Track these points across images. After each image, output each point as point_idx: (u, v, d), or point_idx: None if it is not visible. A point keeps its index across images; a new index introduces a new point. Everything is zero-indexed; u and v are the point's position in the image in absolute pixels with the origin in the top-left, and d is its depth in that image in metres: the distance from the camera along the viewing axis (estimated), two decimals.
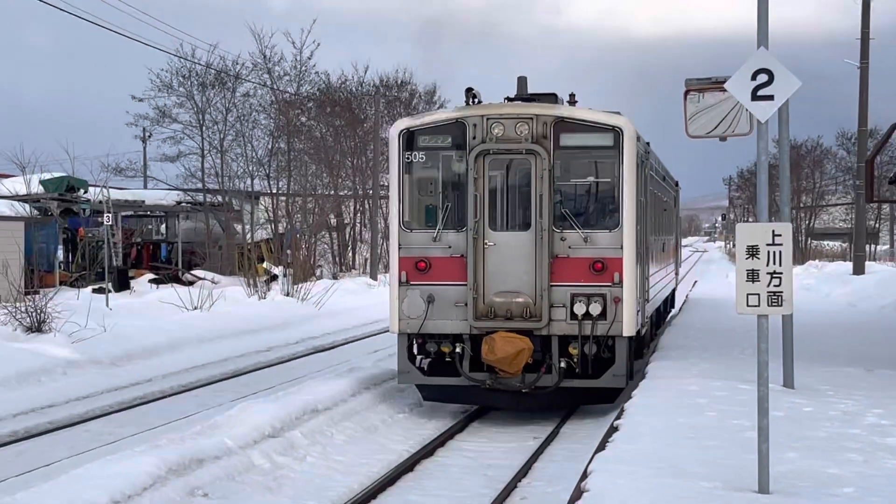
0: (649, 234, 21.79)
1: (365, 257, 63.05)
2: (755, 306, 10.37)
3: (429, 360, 18.60)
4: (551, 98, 19.02)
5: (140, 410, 19.39)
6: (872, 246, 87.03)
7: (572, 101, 19.34)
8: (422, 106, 73.47)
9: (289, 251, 46.49)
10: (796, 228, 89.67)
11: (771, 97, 10.48)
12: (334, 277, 52.82)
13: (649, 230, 21.81)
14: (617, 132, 17.87)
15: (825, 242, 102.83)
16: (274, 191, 56.17)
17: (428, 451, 15.69)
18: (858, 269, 48.94)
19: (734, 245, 10.53)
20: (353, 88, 66.85)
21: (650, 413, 14.86)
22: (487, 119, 18.01)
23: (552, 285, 17.77)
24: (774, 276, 10.33)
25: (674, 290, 36.34)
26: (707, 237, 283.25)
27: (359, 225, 68.50)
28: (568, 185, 18.25)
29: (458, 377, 18.25)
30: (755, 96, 10.51)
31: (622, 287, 17.69)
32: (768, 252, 10.32)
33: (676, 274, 38.25)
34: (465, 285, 17.90)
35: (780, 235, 10.32)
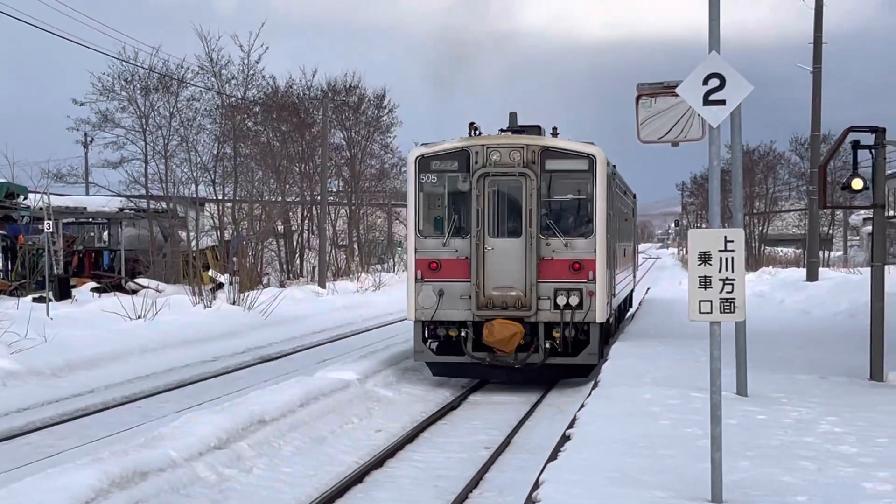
0: (615, 241, 26.00)
1: (313, 265, 62.89)
2: (708, 313, 10.45)
3: (436, 343, 23.29)
4: (536, 129, 23.70)
5: (82, 422, 19.23)
6: (826, 252, 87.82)
7: (555, 133, 23.54)
8: (371, 111, 73.43)
9: (235, 259, 46.28)
10: (749, 234, 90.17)
11: (723, 102, 10.57)
12: (281, 285, 52.65)
13: (615, 238, 26.00)
14: (591, 159, 22.56)
15: (779, 249, 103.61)
16: (219, 197, 55.87)
17: (377, 461, 15.68)
18: (812, 276, 49.33)
19: (687, 252, 10.61)
20: (301, 93, 66.71)
21: (603, 422, 14.94)
22: (487, 148, 22.70)
23: (539, 282, 22.46)
24: (727, 282, 10.41)
25: (632, 291, 41.00)
26: (660, 244, 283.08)
27: (306, 232, 68.35)
28: (552, 201, 22.80)
29: (463, 356, 22.92)
30: (707, 101, 10.59)
31: (595, 283, 22.38)
32: (721, 258, 10.40)
33: (634, 276, 43.05)
34: (469, 282, 22.62)
35: (732, 241, 10.40)
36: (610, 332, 27.10)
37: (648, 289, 61.02)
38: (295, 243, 65.75)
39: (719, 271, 10.40)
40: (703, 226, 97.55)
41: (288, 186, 62.68)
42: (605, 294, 22.91)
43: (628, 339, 27.22)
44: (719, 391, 10.58)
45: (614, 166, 25.35)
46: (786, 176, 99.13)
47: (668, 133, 19.84)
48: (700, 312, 10.46)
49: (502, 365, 22.91)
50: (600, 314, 22.56)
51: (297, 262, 65.13)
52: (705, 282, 10.44)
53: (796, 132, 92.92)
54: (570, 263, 22.43)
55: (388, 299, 49.91)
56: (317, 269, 58.38)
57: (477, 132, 23.26)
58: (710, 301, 10.44)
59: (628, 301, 38.74)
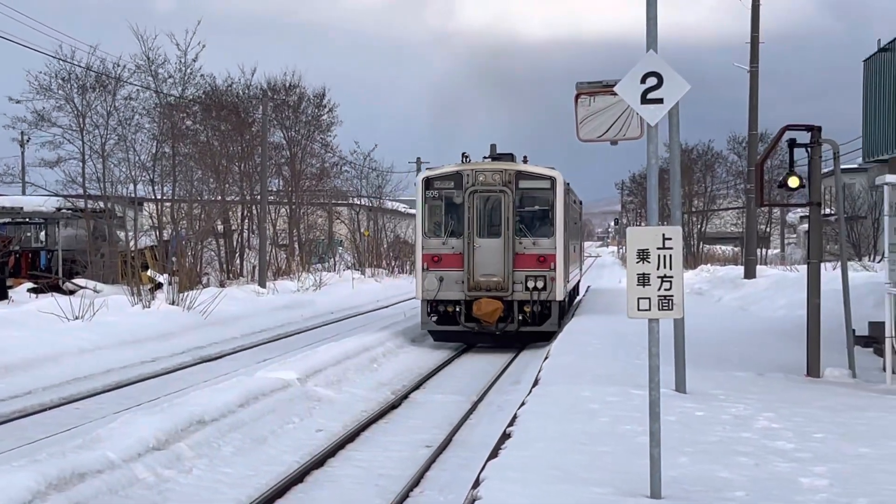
0: (570, 241, 33.25)
1: (253, 264, 62.55)
2: (646, 310, 10.52)
3: (436, 317, 30.69)
4: (510, 156, 31.42)
5: (19, 424, 19.02)
6: (763, 250, 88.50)
7: (525, 160, 31.26)
8: (311, 110, 73.10)
9: (174, 258, 45.96)
10: (688, 233, 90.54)
11: (660, 100, 10.64)
12: (221, 285, 52.32)
13: (570, 238, 33.26)
14: (552, 179, 30.49)
15: (717, 246, 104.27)
16: (158, 196, 55.44)
17: (318, 461, 15.64)
18: (750, 273, 49.75)
19: (626, 250, 10.68)
20: (240, 92, 66.30)
21: (543, 419, 15.00)
22: (475, 171, 30.48)
23: (514, 270, 30.08)
24: (665, 279, 10.49)
25: (579, 281, 49.05)
26: (600, 242, 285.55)
27: (246, 231, 67.99)
28: (523, 211, 30.35)
29: (457, 325, 30.54)
30: (645, 100, 10.66)
31: (556, 272, 30.09)
32: (659, 256, 10.48)
33: (581, 269, 50.57)
34: (462, 270, 30.15)
35: (670, 239, 10.48)
36: (565, 308, 34.55)
37: (589, 286, 61.17)
38: (235, 243, 65.30)
39: (657, 269, 10.48)
40: (642, 224, 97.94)
41: (227, 185, 62.27)
42: (563, 279, 30.55)
43: (570, 334, 27.41)
44: (658, 388, 10.65)
45: (568, 183, 32.38)
46: (724, 174, 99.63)
47: (607, 131, 19.99)
48: (639, 310, 10.53)
49: (486, 332, 30.45)
50: (559, 294, 30.27)
51: (237, 261, 64.70)
52: (644, 279, 10.51)
53: (734, 131, 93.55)
54: (537, 257, 30.01)
55: (328, 299, 49.80)
56: (257, 268, 58.09)
57: (467, 159, 31.08)
58: (649, 298, 10.50)
59: (577, 289, 47.09)
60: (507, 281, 30.07)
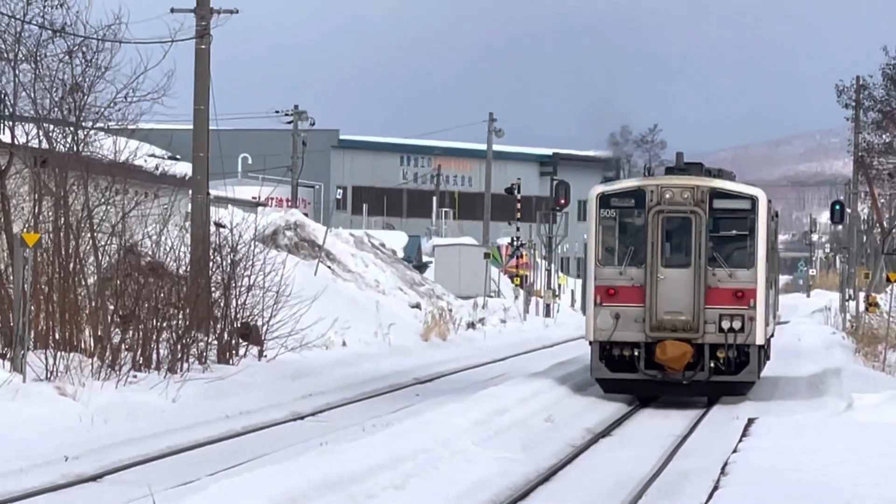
0: (771, 273, 30.83)
1: None
2: None
3: (607, 362, 27.57)
4: (699, 166, 29.53)
5: None
6: None
7: (719, 173, 29.81)
8: None
9: None
10: None
11: None
12: None
13: (772, 269, 30.84)
14: (754, 199, 28.05)
15: None
16: None
17: None
18: None
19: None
20: None
21: None
22: (661, 188, 27.75)
23: (706, 308, 27.17)
24: None
25: (772, 335, 33.92)
26: (790, 275, 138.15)
27: None
28: (718, 236, 27.91)
29: (635, 373, 27.40)
30: None
31: (755, 310, 27.28)
32: None
33: (775, 318, 35.88)
34: (643, 306, 27.25)
35: None
36: (765, 355, 31.04)
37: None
38: None
39: None
40: None
41: None
42: (764, 319, 27.80)
43: None
44: None
45: (770, 200, 29.74)
46: None
47: None
48: None
49: (671, 381, 27.45)
50: (759, 337, 27.45)
51: None
52: None
53: None
54: (733, 292, 27.28)
55: None
56: None
57: (650, 173, 30.27)
58: None
59: (769, 343, 33.19)
60: (696, 320, 27.15)
